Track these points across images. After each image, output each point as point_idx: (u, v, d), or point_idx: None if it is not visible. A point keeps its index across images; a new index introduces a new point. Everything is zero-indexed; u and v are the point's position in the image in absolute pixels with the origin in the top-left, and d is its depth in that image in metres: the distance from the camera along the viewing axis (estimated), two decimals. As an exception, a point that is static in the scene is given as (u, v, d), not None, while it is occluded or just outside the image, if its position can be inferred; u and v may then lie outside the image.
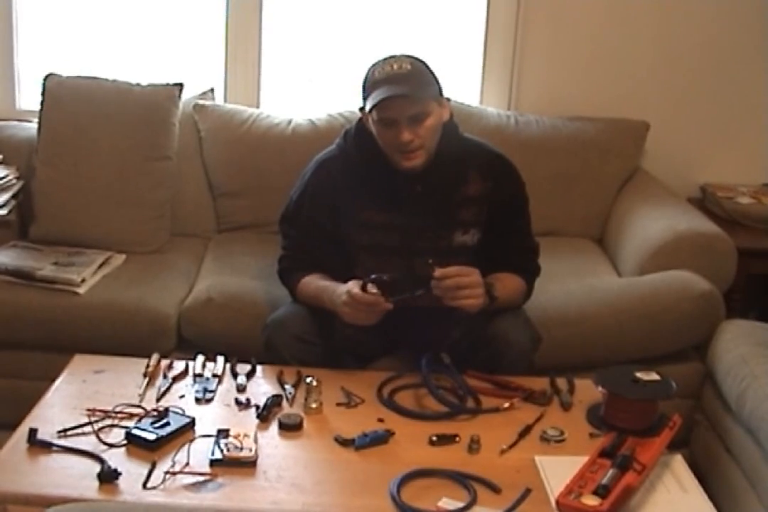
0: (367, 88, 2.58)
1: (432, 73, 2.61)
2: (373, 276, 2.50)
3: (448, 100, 2.69)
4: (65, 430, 2.22)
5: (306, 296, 2.72)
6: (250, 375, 2.57)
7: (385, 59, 2.59)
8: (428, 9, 3.94)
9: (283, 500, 2.04)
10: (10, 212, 3.36)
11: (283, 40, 3.94)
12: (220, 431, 2.22)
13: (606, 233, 3.72)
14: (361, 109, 2.66)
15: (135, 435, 2.20)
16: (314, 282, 2.70)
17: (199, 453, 2.15)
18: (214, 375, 2.55)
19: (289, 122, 3.64)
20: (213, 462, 2.13)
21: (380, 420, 2.37)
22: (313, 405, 2.39)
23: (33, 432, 2.17)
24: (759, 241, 3.59)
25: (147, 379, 2.50)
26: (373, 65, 2.60)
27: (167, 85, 3.51)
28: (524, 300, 2.82)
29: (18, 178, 3.44)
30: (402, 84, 2.52)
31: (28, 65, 3.91)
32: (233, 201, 3.66)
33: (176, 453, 2.15)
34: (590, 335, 2.98)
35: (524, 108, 3.91)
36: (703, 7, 3.85)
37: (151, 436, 2.19)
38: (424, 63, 2.61)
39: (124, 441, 2.19)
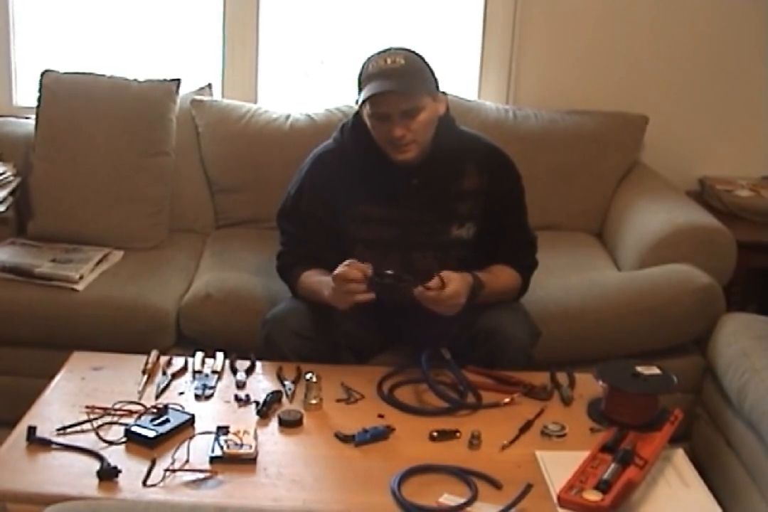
0: (361, 82, 2.58)
1: (428, 66, 2.61)
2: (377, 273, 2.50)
3: (444, 93, 2.68)
4: (64, 428, 2.21)
5: (305, 291, 2.71)
6: (249, 371, 2.57)
7: (380, 53, 2.58)
8: (426, 3, 3.93)
9: (283, 497, 2.04)
10: (7, 209, 3.35)
11: (280, 34, 3.93)
12: (219, 428, 2.22)
13: (605, 227, 3.71)
14: (359, 102, 2.66)
15: (134, 433, 2.19)
16: (313, 277, 2.69)
17: (199, 450, 2.15)
18: (214, 372, 2.54)
19: (287, 117, 3.64)
20: (213, 459, 2.12)
21: (380, 416, 2.37)
22: (313, 401, 2.38)
23: (32, 429, 2.16)
24: (758, 234, 3.58)
25: (146, 376, 2.50)
26: (369, 58, 2.59)
27: (164, 80, 3.50)
28: (521, 294, 2.81)
29: (15, 175, 3.43)
30: (394, 79, 2.51)
31: (25, 61, 3.90)
32: (231, 196, 3.66)
33: (176, 451, 2.14)
34: (590, 329, 2.98)
35: (522, 102, 3.90)
36: (701, 1, 3.84)
37: (151, 433, 2.18)
38: (420, 57, 2.60)
39: (124, 439, 2.19)
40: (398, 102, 2.52)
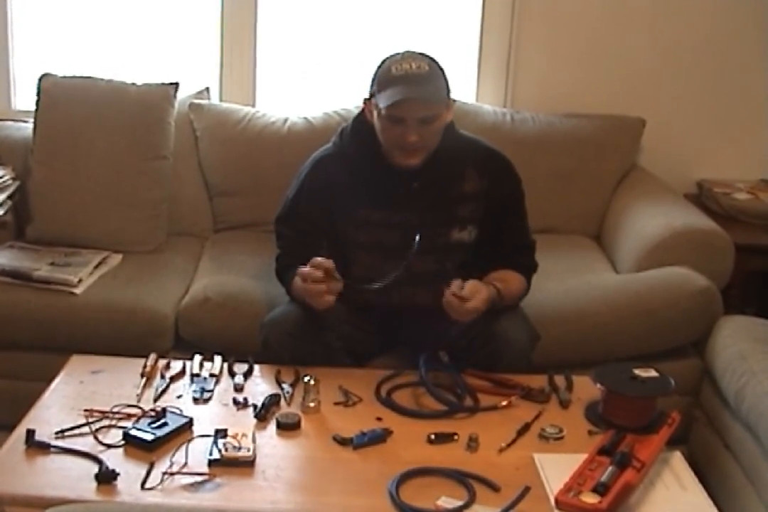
0: (382, 82, 2.56)
1: (445, 75, 2.61)
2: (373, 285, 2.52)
3: (454, 101, 2.68)
4: (63, 431, 2.22)
5: (297, 292, 2.70)
6: (247, 374, 2.57)
7: (403, 56, 2.57)
8: (424, 6, 3.93)
9: (281, 500, 2.04)
10: (6, 213, 3.36)
11: (278, 38, 3.93)
12: (218, 431, 2.22)
13: (603, 230, 3.71)
14: (367, 99, 2.65)
15: (133, 436, 2.19)
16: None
17: (197, 453, 2.15)
18: (212, 375, 2.55)
19: (285, 120, 3.64)
20: (211, 462, 2.13)
21: (378, 419, 2.37)
22: (311, 405, 2.38)
23: (30, 433, 2.16)
24: (756, 236, 3.59)
25: (144, 379, 2.50)
26: (390, 59, 2.58)
27: (162, 84, 3.50)
28: (523, 296, 2.81)
29: (14, 179, 3.43)
30: (419, 85, 2.51)
31: (23, 65, 3.90)
32: (229, 200, 3.66)
33: (174, 454, 2.15)
34: (588, 332, 2.98)
35: (520, 105, 3.90)
36: (699, 4, 3.85)
37: (149, 437, 2.18)
38: (438, 64, 2.60)
39: (122, 442, 2.19)
40: (419, 108, 2.52)
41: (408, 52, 2.59)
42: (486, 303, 2.53)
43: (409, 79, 2.51)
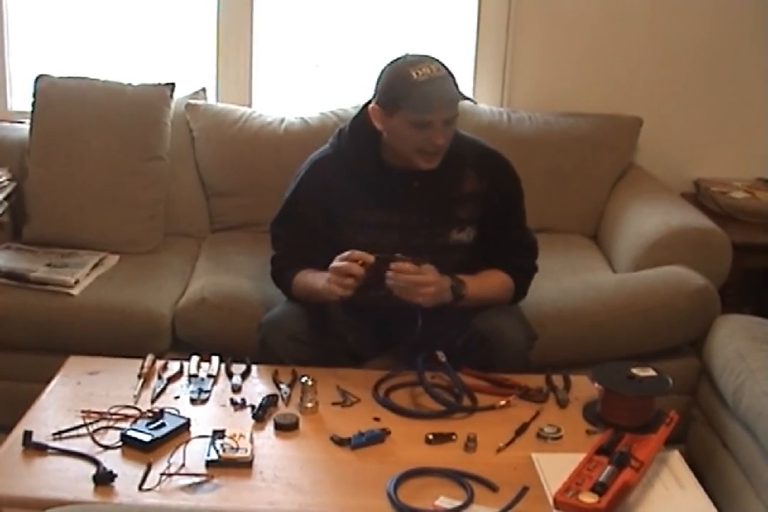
0: (405, 88, 2.50)
1: (453, 75, 2.60)
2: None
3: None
4: (60, 432, 2.21)
5: (300, 290, 2.70)
6: (245, 375, 2.57)
7: (416, 59, 2.53)
8: (420, 6, 3.93)
9: (279, 500, 2.04)
10: (2, 214, 3.35)
11: (274, 38, 3.93)
12: (215, 432, 2.22)
13: (600, 229, 3.71)
14: (374, 106, 2.61)
15: (130, 437, 2.19)
16: (309, 275, 2.68)
17: (195, 454, 2.15)
18: (209, 376, 2.54)
19: (282, 121, 3.63)
20: (209, 463, 2.12)
21: (376, 419, 2.37)
22: (309, 405, 2.38)
23: (28, 434, 2.16)
24: (753, 235, 3.59)
25: (142, 380, 2.50)
26: (403, 64, 2.53)
27: (159, 84, 3.50)
28: (518, 299, 2.81)
29: (10, 180, 3.43)
30: (444, 87, 2.51)
31: (19, 66, 3.90)
32: (226, 200, 3.66)
33: (172, 455, 2.14)
34: (585, 331, 2.98)
35: (517, 104, 3.90)
36: (696, 3, 3.85)
37: (147, 438, 2.18)
38: (445, 65, 2.58)
39: (120, 443, 2.19)
40: (447, 110, 2.52)
41: (413, 55, 2.56)
42: (441, 277, 2.55)
43: (435, 83, 2.49)
